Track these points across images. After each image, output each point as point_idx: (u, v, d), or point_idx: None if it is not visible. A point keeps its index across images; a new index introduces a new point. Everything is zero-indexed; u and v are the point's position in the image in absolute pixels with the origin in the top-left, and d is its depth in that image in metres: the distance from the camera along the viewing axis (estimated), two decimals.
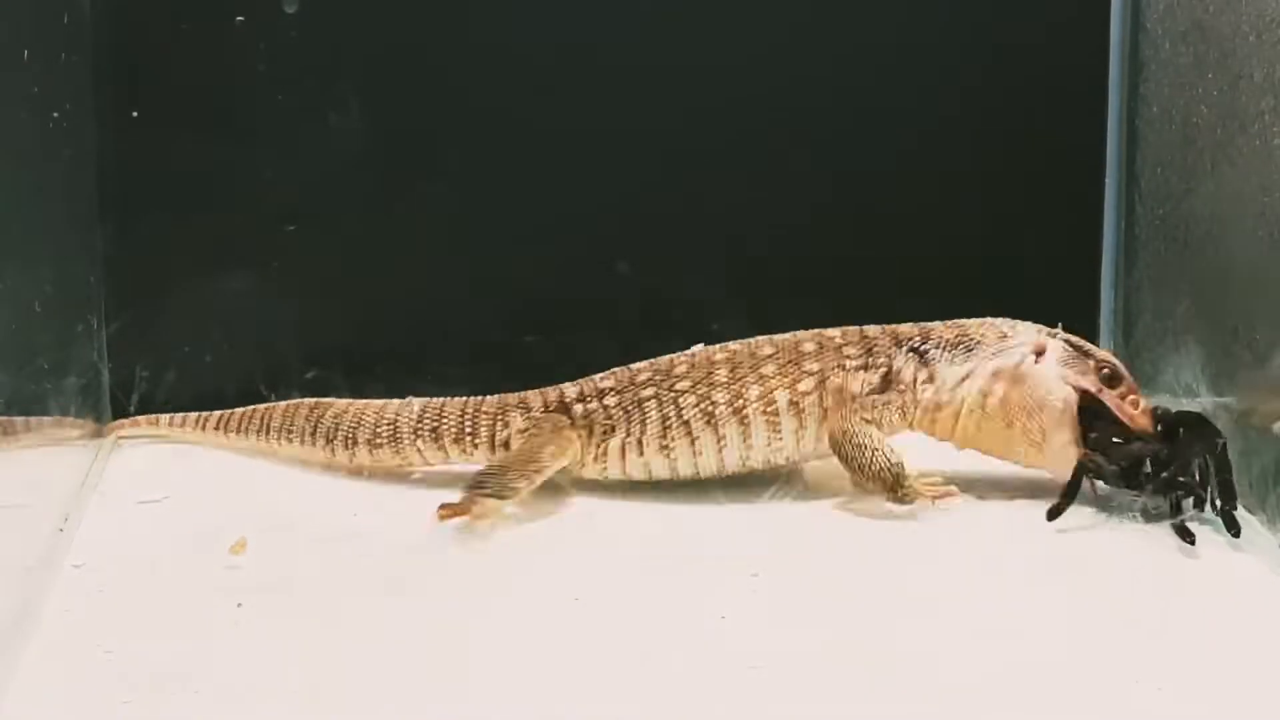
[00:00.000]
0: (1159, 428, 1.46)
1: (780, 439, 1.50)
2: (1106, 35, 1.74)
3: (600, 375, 1.56)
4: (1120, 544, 1.42)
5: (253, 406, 1.65)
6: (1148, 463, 1.43)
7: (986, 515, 1.48)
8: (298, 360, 1.71)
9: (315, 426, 1.60)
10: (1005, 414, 1.48)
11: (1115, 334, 1.77)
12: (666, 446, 1.51)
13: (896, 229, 1.75)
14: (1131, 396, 1.47)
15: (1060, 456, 1.46)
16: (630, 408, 1.52)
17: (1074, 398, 1.46)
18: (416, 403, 1.58)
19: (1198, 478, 1.40)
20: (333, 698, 1.14)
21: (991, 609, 1.29)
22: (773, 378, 1.50)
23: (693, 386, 1.51)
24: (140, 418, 1.70)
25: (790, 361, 1.51)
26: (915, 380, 1.50)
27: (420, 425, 1.56)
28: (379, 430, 1.57)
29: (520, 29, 1.70)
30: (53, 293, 1.52)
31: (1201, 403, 1.55)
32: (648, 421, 1.51)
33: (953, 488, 1.47)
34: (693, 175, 1.73)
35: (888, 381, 1.50)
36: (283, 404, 1.64)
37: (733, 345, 1.55)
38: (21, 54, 1.42)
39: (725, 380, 1.51)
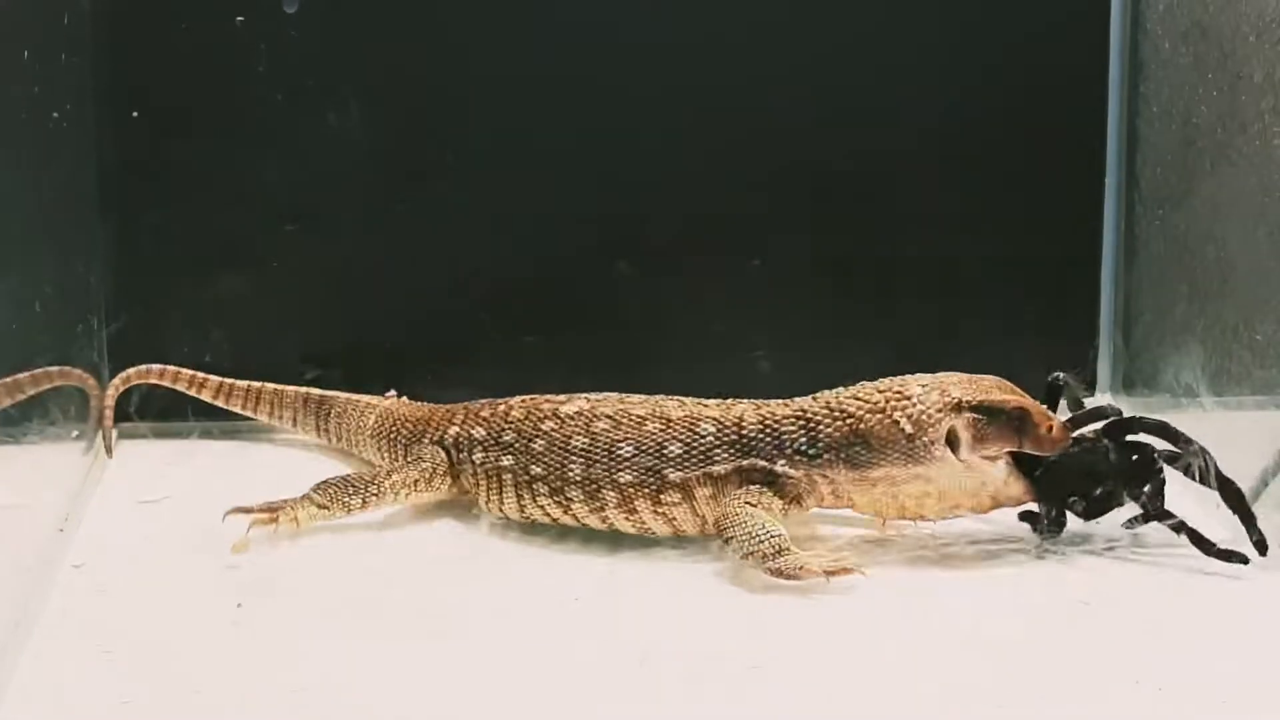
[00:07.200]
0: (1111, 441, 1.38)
1: (653, 532, 1.41)
2: (1106, 35, 1.74)
3: (483, 409, 1.49)
4: (1118, 543, 1.42)
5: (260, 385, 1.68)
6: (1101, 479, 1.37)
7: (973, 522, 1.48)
8: (298, 360, 1.71)
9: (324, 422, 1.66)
10: (947, 501, 1.37)
11: (1115, 334, 1.77)
12: (528, 515, 1.45)
13: (896, 229, 1.75)
14: (1046, 424, 1.35)
15: (1014, 499, 1.38)
16: (490, 473, 1.46)
17: (1007, 463, 1.36)
18: (378, 409, 1.61)
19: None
20: (333, 698, 1.14)
21: (990, 609, 1.29)
22: (630, 487, 1.40)
23: (545, 475, 1.43)
24: (156, 367, 1.67)
25: (650, 470, 1.39)
26: (806, 481, 1.37)
27: (374, 432, 1.59)
28: (355, 431, 1.62)
29: (520, 28, 1.69)
30: (53, 293, 1.52)
31: (1201, 403, 1.56)
32: (505, 493, 1.45)
33: (846, 558, 1.33)
34: (693, 175, 1.73)
35: (772, 479, 1.37)
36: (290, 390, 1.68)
37: (599, 424, 1.42)
38: (21, 54, 1.42)
39: (579, 479, 1.41)
